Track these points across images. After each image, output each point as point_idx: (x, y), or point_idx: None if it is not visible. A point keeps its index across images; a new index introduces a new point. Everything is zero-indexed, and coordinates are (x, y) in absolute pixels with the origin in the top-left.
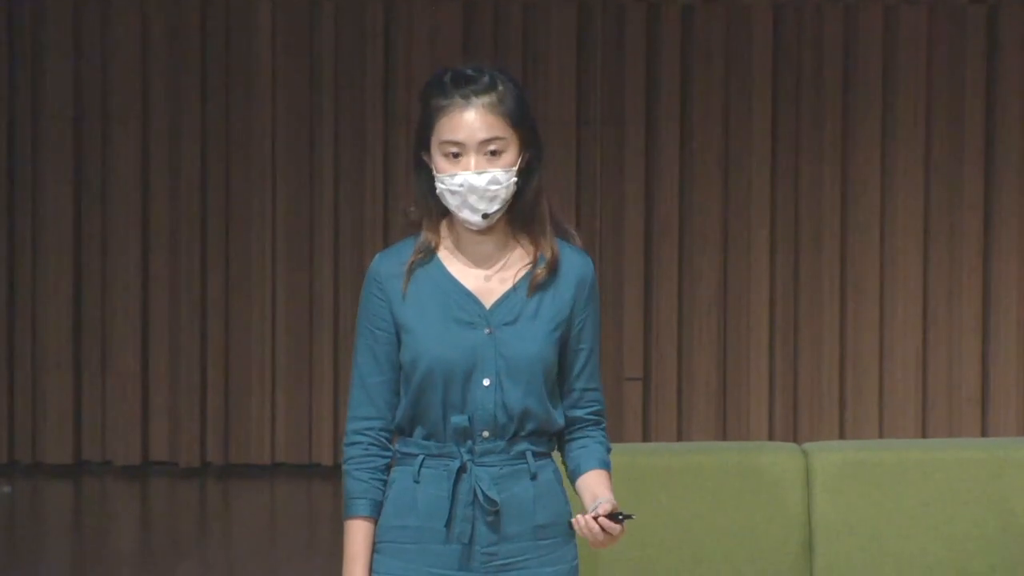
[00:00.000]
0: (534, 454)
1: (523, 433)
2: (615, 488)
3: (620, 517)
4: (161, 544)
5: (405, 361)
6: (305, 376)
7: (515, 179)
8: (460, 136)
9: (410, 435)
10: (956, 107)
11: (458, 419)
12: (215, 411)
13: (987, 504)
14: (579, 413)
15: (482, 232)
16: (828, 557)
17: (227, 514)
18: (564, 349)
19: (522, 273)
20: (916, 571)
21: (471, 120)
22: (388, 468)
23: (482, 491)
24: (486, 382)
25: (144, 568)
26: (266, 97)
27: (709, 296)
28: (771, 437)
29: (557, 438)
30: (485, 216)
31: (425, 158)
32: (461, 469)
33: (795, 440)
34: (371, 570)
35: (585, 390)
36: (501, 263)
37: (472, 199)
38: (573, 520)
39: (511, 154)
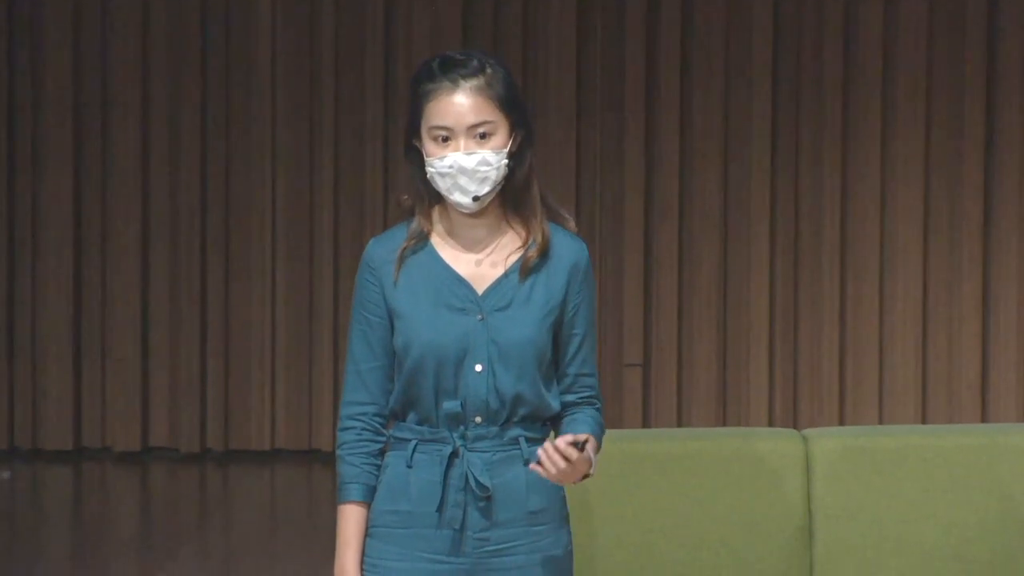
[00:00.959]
0: (527, 440)
1: (516, 419)
2: (613, 477)
3: (579, 446)
4: (161, 530)
5: (398, 347)
6: (305, 362)
7: (506, 161)
8: (449, 120)
9: (403, 420)
10: (956, 93)
11: (450, 404)
12: (215, 397)
13: (987, 490)
14: (572, 398)
15: (474, 216)
16: (827, 543)
17: (227, 500)
18: (557, 334)
19: (514, 258)
20: (915, 557)
21: (459, 104)
22: (382, 453)
23: (474, 476)
24: (478, 368)
25: (144, 554)
26: (266, 85)
27: (709, 282)
28: (771, 423)
29: (552, 424)
30: (476, 199)
31: (416, 144)
32: (453, 454)
33: (795, 426)
34: (364, 554)
35: (579, 375)
36: (493, 247)
37: (462, 180)
38: (540, 450)
39: (501, 137)
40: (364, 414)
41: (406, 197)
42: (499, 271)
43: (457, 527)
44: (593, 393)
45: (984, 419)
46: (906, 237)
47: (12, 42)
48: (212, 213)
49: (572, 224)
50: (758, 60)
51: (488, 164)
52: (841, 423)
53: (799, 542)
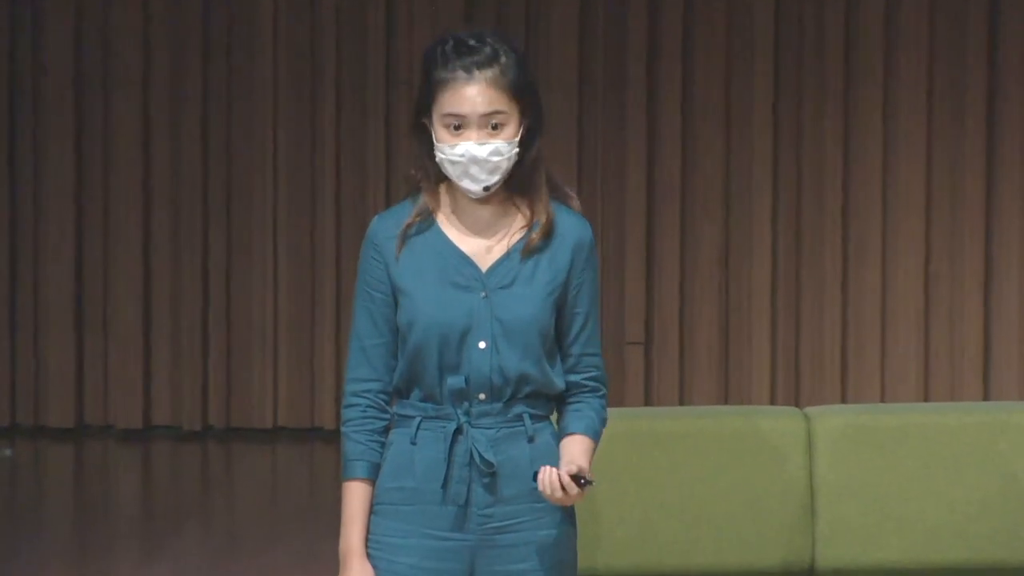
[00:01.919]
0: (531, 416)
1: (520, 396)
2: (616, 455)
3: (583, 481)
4: (163, 507)
5: (401, 323)
6: (307, 340)
7: (516, 149)
8: (463, 110)
9: (407, 397)
10: (958, 67)
11: (454, 380)
12: (217, 375)
13: (988, 467)
14: (576, 378)
15: (480, 198)
16: (829, 521)
17: (229, 477)
18: (561, 313)
19: (518, 237)
20: (917, 534)
21: (473, 95)
22: (386, 430)
23: (478, 453)
24: (482, 345)
25: (146, 531)
26: (268, 58)
27: (711, 260)
28: (773, 401)
29: (557, 401)
30: (487, 188)
31: (425, 122)
32: (457, 431)
33: (797, 404)
34: (368, 531)
35: (582, 355)
36: (499, 228)
37: (473, 170)
38: (540, 469)
39: (512, 126)
40: (368, 391)
41: (415, 172)
42: (503, 250)
43: (461, 503)
44: (598, 373)
45: (986, 397)
46: (908, 214)
47: (13, 15)
48: (213, 188)
49: (576, 203)
50: (760, 37)
51: (500, 155)
52: (843, 401)
53: (801, 520)
